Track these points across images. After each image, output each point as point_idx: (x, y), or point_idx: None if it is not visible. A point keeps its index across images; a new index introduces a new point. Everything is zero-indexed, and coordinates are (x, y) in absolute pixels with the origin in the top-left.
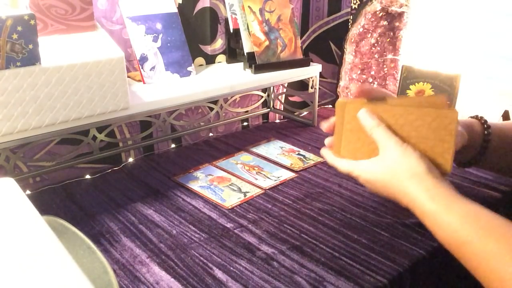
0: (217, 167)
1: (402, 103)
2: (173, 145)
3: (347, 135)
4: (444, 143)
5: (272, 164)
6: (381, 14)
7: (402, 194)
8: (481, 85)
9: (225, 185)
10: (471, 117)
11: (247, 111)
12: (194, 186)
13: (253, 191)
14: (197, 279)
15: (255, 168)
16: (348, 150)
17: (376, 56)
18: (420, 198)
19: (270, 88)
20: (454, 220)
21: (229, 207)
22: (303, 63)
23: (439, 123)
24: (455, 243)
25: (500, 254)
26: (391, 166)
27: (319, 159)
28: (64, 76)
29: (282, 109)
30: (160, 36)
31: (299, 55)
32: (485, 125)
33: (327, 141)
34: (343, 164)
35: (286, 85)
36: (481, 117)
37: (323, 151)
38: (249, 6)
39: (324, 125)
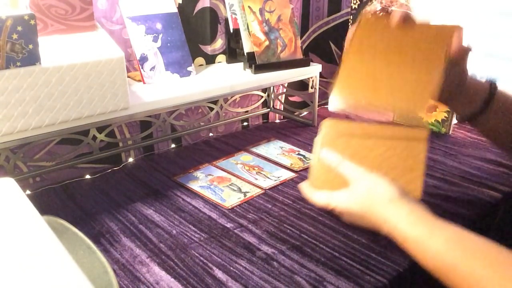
0: (217, 167)
1: (376, 133)
2: (173, 145)
3: (317, 169)
4: (413, 172)
5: (272, 164)
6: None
7: (381, 221)
8: None
9: (225, 185)
10: None
11: (247, 111)
12: (194, 186)
13: (253, 191)
14: (197, 279)
15: (255, 168)
16: (318, 183)
17: None
18: (400, 225)
19: (270, 88)
20: (438, 245)
21: (229, 207)
22: (303, 63)
23: (408, 154)
24: (441, 268)
25: (488, 277)
26: (365, 195)
27: None
28: (64, 76)
29: (282, 109)
30: (160, 36)
31: (299, 55)
32: (492, 85)
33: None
34: (319, 198)
35: (286, 85)
36: (491, 80)
37: (303, 184)
38: (249, 6)
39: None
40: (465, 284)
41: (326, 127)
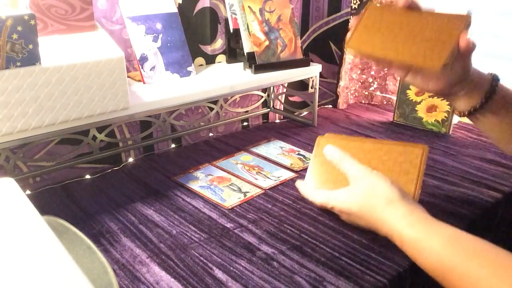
0: (217, 167)
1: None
2: (173, 145)
3: (316, 167)
4: (409, 175)
5: (272, 164)
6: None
7: (379, 222)
8: None
9: (225, 185)
10: None
11: (247, 111)
12: (194, 186)
13: (253, 191)
14: (197, 279)
15: (255, 168)
16: (318, 181)
17: None
18: (397, 226)
19: (270, 88)
20: (435, 245)
21: (229, 207)
22: (303, 63)
23: (404, 158)
24: (438, 269)
25: (485, 277)
26: (364, 195)
27: None
28: (64, 76)
29: (282, 109)
30: (160, 36)
31: (299, 55)
32: (494, 79)
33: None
34: (317, 196)
35: (286, 85)
36: (493, 74)
37: (298, 183)
38: (249, 6)
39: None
40: (463, 284)
41: (324, 138)
